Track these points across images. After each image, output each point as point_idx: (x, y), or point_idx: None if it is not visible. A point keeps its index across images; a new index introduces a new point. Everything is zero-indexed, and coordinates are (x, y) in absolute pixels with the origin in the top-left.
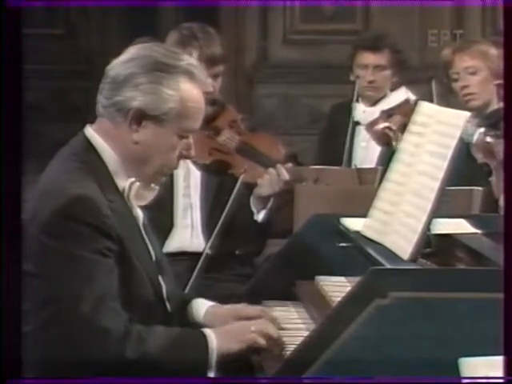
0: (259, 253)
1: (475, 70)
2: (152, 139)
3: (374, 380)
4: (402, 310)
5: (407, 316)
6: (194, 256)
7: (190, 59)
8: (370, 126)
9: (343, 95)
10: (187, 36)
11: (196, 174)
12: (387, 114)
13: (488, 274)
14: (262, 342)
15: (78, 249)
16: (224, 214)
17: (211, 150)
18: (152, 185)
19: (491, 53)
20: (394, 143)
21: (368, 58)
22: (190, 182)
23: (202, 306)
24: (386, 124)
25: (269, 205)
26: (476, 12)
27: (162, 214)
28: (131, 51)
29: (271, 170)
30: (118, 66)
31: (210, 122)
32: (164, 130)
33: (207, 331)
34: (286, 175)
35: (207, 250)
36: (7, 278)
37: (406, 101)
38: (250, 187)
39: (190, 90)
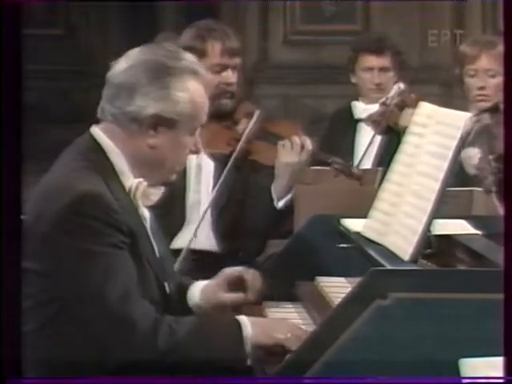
0: (260, 253)
1: (495, 73)
2: (168, 142)
3: (374, 380)
4: (403, 311)
5: (407, 317)
6: (199, 253)
7: (191, 57)
8: (370, 118)
9: (343, 96)
10: (205, 30)
11: (208, 171)
12: (385, 104)
13: (488, 275)
14: (291, 346)
15: (94, 244)
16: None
17: (230, 140)
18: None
19: None
20: (393, 124)
21: (373, 60)
22: (200, 178)
23: (196, 288)
24: (383, 100)
25: (290, 194)
26: (476, 12)
27: (174, 210)
28: (132, 56)
29: (294, 138)
30: (121, 73)
31: (227, 114)
32: (178, 132)
33: (242, 318)
34: (309, 145)
35: (215, 248)
36: (7, 277)
37: (402, 90)
38: (269, 179)
39: (197, 87)
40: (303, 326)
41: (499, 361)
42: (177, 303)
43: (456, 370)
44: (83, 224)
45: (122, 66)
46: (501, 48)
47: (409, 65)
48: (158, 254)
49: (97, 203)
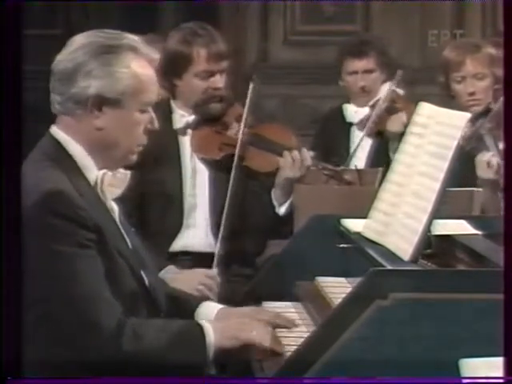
0: (260, 253)
1: (483, 76)
2: (115, 122)
3: (374, 380)
4: (403, 311)
5: (408, 317)
6: (196, 256)
7: (132, 36)
8: (361, 123)
9: (344, 96)
10: (190, 34)
11: (203, 173)
12: (374, 107)
13: (488, 275)
14: (261, 341)
15: (58, 244)
16: (227, 207)
17: (221, 145)
18: (122, 170)
19: (496, 57)
20: (383, 130)
21: (356, 64)
22: (195, 181)
23: (212, 308)
24: (372, 102)
25: (291, 198)
26: (476, 12)
27: (172, 214)
28: (73, 42)
29: (294, 152)
30: (63, 59)
31: (217, 118)
32: (125, 110)
33: (205, 324)
34: (309, 160)
35: (218, 250)
36: (7, 277)
37: (390, 90)
38: (266, 182)
39: (140, 63)
40: (303, 326)
41: (499, 361)
42: (157, 294)
43: (456, 370)
44: (49, 223)
45: (65, 53)
46: (485, 50)
47: (409, 65)
48: (130, 246)
49: (61, 200)
